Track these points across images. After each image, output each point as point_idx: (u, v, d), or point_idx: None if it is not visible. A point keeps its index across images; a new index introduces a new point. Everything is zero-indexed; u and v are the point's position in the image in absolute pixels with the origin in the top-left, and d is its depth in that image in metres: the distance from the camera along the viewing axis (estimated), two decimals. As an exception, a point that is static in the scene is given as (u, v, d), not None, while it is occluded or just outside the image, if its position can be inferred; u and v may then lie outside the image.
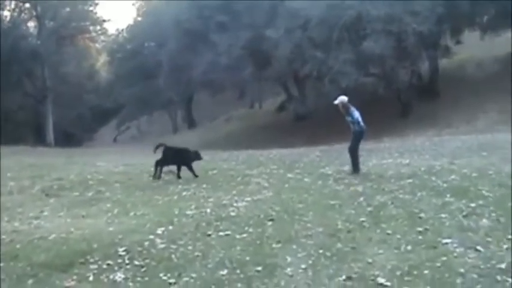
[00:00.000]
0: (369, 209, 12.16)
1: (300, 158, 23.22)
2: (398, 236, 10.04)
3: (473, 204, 11.69)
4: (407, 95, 38.48)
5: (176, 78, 47.67)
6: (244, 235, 10.82)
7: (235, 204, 13.58)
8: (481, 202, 11.85)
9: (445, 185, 14.03)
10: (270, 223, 11.58)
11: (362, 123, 16.93)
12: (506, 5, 36.08)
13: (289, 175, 18.00)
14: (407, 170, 17.07)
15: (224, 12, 41.03)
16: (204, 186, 16.74)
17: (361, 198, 13.19)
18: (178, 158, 18.98)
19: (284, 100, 49.89)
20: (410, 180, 15.11)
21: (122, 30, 63.80)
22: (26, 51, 52.36)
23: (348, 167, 18.34)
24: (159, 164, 18.84)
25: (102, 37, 67.74)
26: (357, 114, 16.88)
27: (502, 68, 40.30)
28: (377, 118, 35.96)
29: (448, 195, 12.68)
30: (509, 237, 9.57)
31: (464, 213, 11.14)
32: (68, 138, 59.89)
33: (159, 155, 18.90)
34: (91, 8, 60.51)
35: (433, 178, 15.15)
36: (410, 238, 9.91)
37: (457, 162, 18.06)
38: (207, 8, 42.38)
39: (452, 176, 15.15)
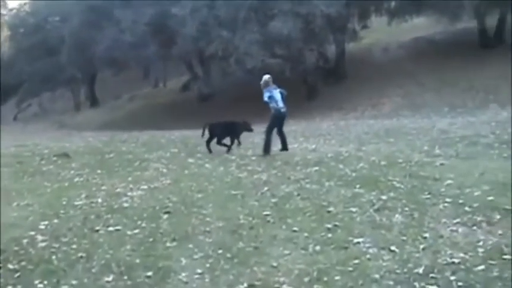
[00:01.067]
0: (274, 200, 11.10)
1: (202, 141, 22.14)
2: (306, 234, 8.97)
3: (384, 197, 10.77)
4: (314, 77, 37.73)
5: (79, 54, 45.46)
6: (136, 231, 9.59)
7: (129, 194, 12.36)
8: (392, 194, 10.95)
9: (353, 174, 13.11)
10: (165, 216, 10.40)
11: (276, 106, 16.76)
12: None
13: (190, 160, 16.90)
14: (314, 156, 16.18)
15: (129, -12, 39.39)
16: (99, 171, 15.47)
17: (265, 188, 12.12)
18: (226, 131, 18.75)
19: (188, 79, 48.46)
20: (317, 168, 14.17)
21: (25, 4, 60.75)
22: None
23: (251, 152, 17.65)
24: (208, 142, 18.62)
25: (3, 11, 64.90)
26: (267, 95, 16.68)
27: (406, 53, 40.23)
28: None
29: (358, 186, 11.73)
30: (425, 235, 8.66)
31: (375, 207, 10.18)
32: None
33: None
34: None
35: (341, 166, 14.26)
36: (318, 236, 8.86)
37: (364, 148, 17.33)
38: (111, -16, 40.55)
39: (361, 164, 14.28)
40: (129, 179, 14.14)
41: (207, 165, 15.81)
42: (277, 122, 17.10)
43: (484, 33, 37.73)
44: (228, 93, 38.99)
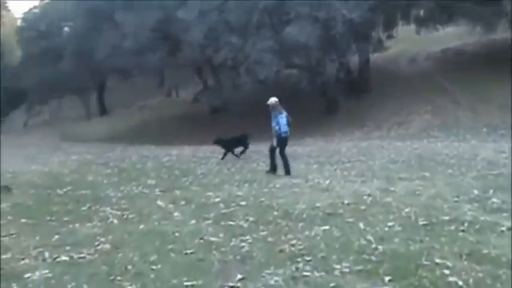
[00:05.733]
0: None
1: (196, 165, 18.04)
2: None
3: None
4: (334, 90, 33.09)
5: (82, 61, 41.38)
6: None
7: (28, 275, 7.50)
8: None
9: (380, 246, 8.05)
10: None
11: (280, 131, 15.85)
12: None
13: (160, 202, 12.10)
14: (325, 202, 11.32)
15: (132, -11, 35.11)
16: (23, 221, 10.66)
17: (238, 277, 7.18)
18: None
19: (199, 91, 43.88)
20: (326, 228, 9.36)
21: (34, 7, 56.45)
22: None
23: (244, 191, 13.19)
24: None
25: (12, 14, 62.00)
26: (276, 121, 15.86)
27: (435, 65, 35.69)
28: (299, 115, 30.91)
29: (387, 279, 6.90)
30: None
31: None
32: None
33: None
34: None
35: (361, 225, 9.38)
36: None
37: (393, 189, 12.60)
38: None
39: (390, 223, 9.40)
40: (54, 238, 9.35)
41: (176, 213, 10.98)
42: (278, 144, 16.16)
43: (522, 44, 32.99)
44: (240, 106, 34.37)
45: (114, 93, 54.31)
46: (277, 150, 16.22)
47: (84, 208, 11.69)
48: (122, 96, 53.87)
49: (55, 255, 8.36)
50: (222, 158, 20.10)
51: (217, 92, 37.25)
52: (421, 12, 35.87)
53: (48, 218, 10.80)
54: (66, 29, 51.91)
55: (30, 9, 56.05)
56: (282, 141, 16.14)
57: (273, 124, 15.87)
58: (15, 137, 45.66)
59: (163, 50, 35.03)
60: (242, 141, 20.73)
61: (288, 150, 18.48)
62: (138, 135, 37.69)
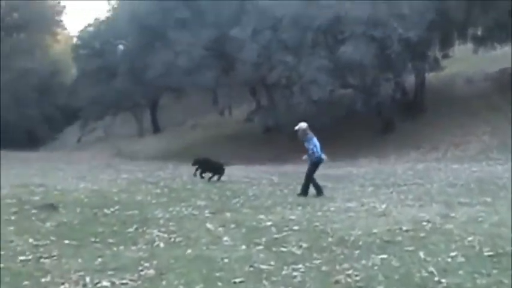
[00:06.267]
0: None
1: (248, 186, 17.56)
2: None
3: None
4: (390, 111, 32.34)
5: (136, 79, 41.78)
6: None
7: None
8: None
9: (443, 279, 7.44)
10: None
11: (319, 153, 15.86)
12: (504, 16, 30.47)
13: (209, 225, 11.57)
14: (382, 228, 10.70)
15: (185, 7, 35.03)
16: (67, 242, 10.19)
17: None
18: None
19: (252, 110, 43.47)
20: (384, 256, 8.70)
21: (89, 25, 57.12)
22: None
23: (300, 209, 13.28)
24: None
25: (68, 32, 63.45)
26: (312, 144, 15.81)
27: (493, 86, 34.63)
28: (353, 135, 30.55)
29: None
30: None
31: None
32: (30, 138, 55.09)
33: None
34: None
35: (421, 254, 8.74)
36: None
37: (453, 215, 11.93)
38: (166, 2, 36.55)
39: (453, 253, 8.72)
40: (97, 261, 8.88)
41: (225, 238, 10.43)
42: (313, 167, 16.11)
43: None
44: (293, 126, 33.89)
45: (167, 111, 54.64)
46: (306, 172, 16.26)
47: (130, 229, 11.22)
48: (174, 114, 54.13)
49: (96, 281, 7.87)
50: (194, 175, 20.17)
51: (271, 112, 36.77)
52: (479, 31, 35.03)
53: (93, 240, 10.34)
54: (120, 47, 53.07)
55: (85, 27, 56.86)
56: (318, 165, 16.19)
57: (310, 147, 15.76)
58: (68, 153, 46.24)
59: (216, 69, 35.02)
60: (217, 169, 20.27)
61: (343, 171, 17.95)
62: (190, 153, 37.20)
